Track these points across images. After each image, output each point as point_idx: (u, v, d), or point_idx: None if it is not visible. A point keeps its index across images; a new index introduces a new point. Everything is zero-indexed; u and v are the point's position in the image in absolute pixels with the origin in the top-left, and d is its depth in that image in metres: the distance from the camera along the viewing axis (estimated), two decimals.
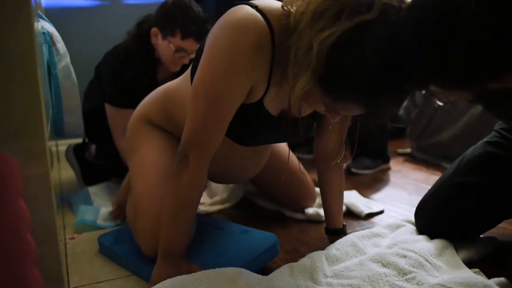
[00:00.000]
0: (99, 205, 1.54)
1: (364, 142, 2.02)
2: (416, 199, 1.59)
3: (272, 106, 0.95)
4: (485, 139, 1.20)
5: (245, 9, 0.83)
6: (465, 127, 2.07)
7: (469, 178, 1.13)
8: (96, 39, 1.82)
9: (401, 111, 2.51)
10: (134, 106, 1.60)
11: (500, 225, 1.17)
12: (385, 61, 0.70)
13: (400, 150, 2.42)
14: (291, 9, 0.81)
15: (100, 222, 1.41)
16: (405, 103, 2.64)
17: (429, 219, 1.17)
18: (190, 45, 1.54)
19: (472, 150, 1.20)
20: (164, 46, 1.55)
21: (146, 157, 1.15)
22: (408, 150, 2.41)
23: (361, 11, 0.69)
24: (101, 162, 1.80)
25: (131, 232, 1.15)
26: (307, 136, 1.09)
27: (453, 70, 0.67)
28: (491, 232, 1.19)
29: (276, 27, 0.83)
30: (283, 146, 1.47)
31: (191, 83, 0.96)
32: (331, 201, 1.17)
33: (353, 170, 2.00)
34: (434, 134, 2.27)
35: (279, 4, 0.86)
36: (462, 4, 0.62)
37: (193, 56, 1.56)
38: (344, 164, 1.20)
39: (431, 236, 1.13)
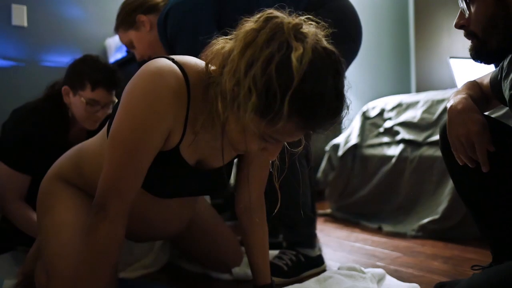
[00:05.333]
0: (3, 277, 1.36)
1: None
2: (341, 255, 1.63)
3: (189, 154, 0.95)
4: None
5: (161, 60, 0.88)
6: (378, 186, 2.23)
7: None
8: (10, 100, 1.74)
9: (320, 175, 2.65)
10: (33, 173, 1.51)
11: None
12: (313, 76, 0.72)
13: (321, 211, 2.50)
14: (212, 67, 0.85)
15: None
16: (323, 167, 2.74)
17: None
18: (102, 95, 1.52)
19: None
20: (76, 102, 1.52)
21: (60, 217, 1.07)
22: (328, 210, 2.51)
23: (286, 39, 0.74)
24: (6, 225, 1.61)
25: None
26: (225, 188, 1.08)
27: None
28: None
29: (191, 76, 0.87)
30: (206, 205, 1.44)
31: (108, 137, 0.93)
32: (257, 256, 1.12)
33: None
34: (351, 194, 2.40)
35: (196, 59, 0.91)
36: None
37: (108, 110, 1.55)
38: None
39: None
